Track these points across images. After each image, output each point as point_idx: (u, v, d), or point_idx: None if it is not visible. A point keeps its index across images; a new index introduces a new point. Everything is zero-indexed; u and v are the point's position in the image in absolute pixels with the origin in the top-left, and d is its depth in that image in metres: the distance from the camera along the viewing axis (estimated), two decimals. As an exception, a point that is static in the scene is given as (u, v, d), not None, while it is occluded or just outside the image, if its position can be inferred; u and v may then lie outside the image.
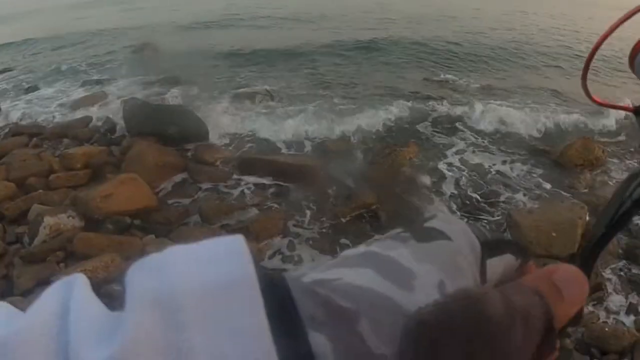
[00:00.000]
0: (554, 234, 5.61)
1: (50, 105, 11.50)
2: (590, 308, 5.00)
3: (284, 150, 8.36)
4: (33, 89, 13.43)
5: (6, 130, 9.89)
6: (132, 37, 18.62)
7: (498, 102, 10.39)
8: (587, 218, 5.95)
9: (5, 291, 5.06)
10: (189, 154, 8.07)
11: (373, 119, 9.40)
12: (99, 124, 9.49)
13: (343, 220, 6.45)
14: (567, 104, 10.35)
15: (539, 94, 11.17)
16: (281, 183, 7.21)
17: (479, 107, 9.85)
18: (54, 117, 10.47)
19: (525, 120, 9.36)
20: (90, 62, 15.91)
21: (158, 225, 6.17)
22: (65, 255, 5.45)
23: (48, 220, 5.75)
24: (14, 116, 10.82)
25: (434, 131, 9.16)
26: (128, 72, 13.97)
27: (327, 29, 18.24)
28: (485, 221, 6.53)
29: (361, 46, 15.29)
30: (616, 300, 5.22)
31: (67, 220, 5.86)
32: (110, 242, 5.52)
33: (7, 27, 24.36)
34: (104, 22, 23.01)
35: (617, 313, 5.07)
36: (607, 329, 4.64)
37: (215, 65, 14.33)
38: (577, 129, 9.23)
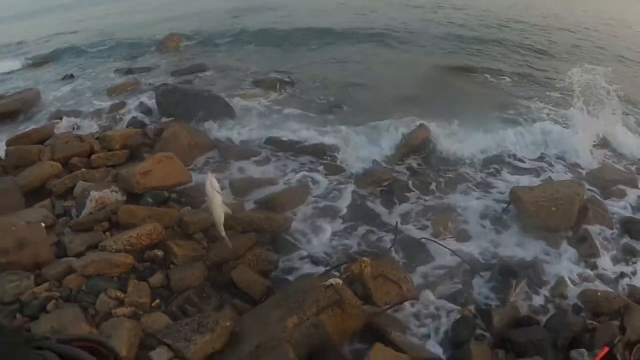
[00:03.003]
0: (553, 209, 5.76)
1: (87, 92, 11.74)
2: (584, 274, 5.23)
3: (305, 131, 8.45)
4: (70, 77, 13.70)
5: (48, 116, 10.16)
6: (159, 28, 18.74)
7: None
8: (585, 196, 6.12)
9: (60, 254, 5.30)
10: (218, 134, 8.21)
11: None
12: (133, 108, 9.69)
13: (363, 192, 6.63)
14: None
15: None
16: (304, 160, 7.41)
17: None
18: (92, 103, 10.69)
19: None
20: (122, 52, 16.11)
21: (192, 198, 6.29)
22: (110, 225, 5.62)
23: (94, 194, 5.91)
24: (56, 103, 11.10)
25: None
26: (158, 61, 14.18)
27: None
28: (492, 197, 6.64)
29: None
30: (609, 268, 5.40)
31: (110, 195, 6.02)
32: (151, 213, 5.65)
33: (41, 21, 24.62)
34: (132, 15, 23.17)
35: (609, 279, 5.25)
36: (599, 294, 4.78)
37: (239, 53, 14.47)
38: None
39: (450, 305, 4.81)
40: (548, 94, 10.25)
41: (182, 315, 4.53)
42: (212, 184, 4.64)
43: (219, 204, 4.70)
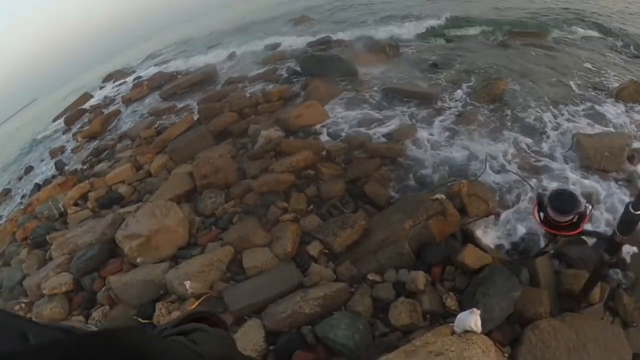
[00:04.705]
0: (606, 154, 5.26)
1: (248, 63, 12.09)
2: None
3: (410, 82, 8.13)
4: (233, 55, 14.22)
5: (222, 82, 10.67)
6: (290, 12, 18.68)
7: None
8: (633, 146, 5.49)
9: (241, 177, 5.63)
10: (346, 86, 8.13)
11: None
12: (283, 71, 9.84)
13: (459, 129, 6.35)
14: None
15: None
16: (412, 104, 7.13)
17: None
18: (252, 70, 10.96)
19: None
20: (268, 32, 16.34)
21: (331, 132, 6.42)
22: (275, 153, 5.87)
23: (263, 133, 6.19)
24: (227, 73, 11.59)
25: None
26: (295, 36, 14.19)
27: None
28: (556, 140, 6.03)
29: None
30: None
31: (274, 132, 6.27)
32: (304, 144, 5.82)
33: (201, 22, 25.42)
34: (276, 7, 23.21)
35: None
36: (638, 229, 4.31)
37: (353, 27, 14.07)
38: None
39: (522, 221, 4.60)
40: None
41: (328, 216, 4.68)
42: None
43: None
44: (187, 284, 3.80)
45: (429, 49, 10.33)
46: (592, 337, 3.31)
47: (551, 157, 5.63)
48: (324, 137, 6.29)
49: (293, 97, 7.83)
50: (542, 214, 3.03)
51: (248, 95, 8.30)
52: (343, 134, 6.29)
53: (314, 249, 4.25)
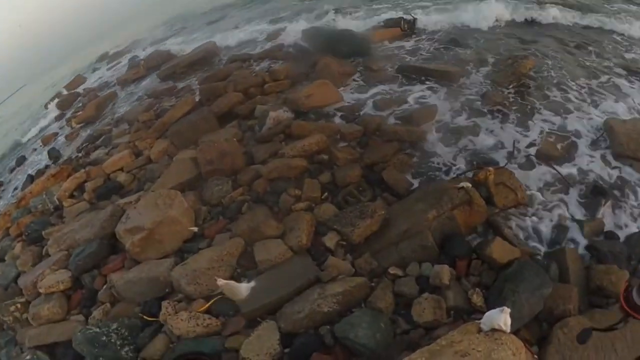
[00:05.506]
0: None
1: (251, 40, 11.82)
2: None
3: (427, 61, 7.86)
4: (235, 30, 13.84)
5: (225, 59, 10.39)
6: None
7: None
8: None
9: (249, 162, 5.46)
10: (359, 64, 7.86)
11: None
12: (290, 48, 9.52)
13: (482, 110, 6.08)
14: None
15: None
16: (432, 84, 6.87)
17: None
18: (256, 47, 10.70)
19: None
20: (269, 8, 15.84)
21: (345, 114, 6.23)
22: (285, 137, 5.69)
23: (271, 114, 5.99)
24: (229, 50, 11.30)
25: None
26: (299, 10, 13.82)
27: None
28: (586, 123, 5.77)
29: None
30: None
31: (283, 114, 6.06)
32: (316, 126, 5.66)
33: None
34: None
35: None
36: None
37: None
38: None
39: (551, 212, 4.48)
40: None
41: (345, 205, 4.54)
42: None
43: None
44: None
45: (449, 23, 9.90)
46: (620, 335, 3.26)
47: (581, 142, 5.39)
48: (337, 119, 6.11)
49: (302, 75, 7.57)
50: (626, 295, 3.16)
51: (254, 74, 8.06)
52: (358, 116, 6.10)
53: (330, 240, 4.12)
